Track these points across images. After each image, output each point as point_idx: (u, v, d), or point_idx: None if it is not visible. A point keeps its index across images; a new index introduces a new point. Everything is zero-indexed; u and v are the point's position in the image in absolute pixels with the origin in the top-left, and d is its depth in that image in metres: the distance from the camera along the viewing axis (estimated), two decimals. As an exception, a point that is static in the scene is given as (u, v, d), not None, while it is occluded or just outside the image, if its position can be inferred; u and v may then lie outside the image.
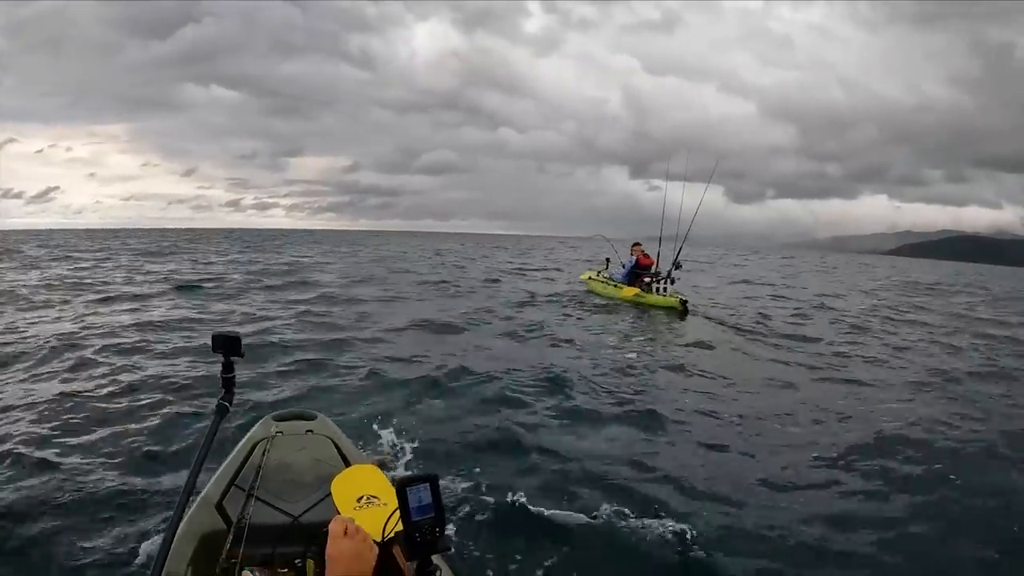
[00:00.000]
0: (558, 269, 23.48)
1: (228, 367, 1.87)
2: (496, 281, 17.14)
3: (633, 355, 7.39)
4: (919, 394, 6.20)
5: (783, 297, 16.04)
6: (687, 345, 8.30)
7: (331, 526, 1.43)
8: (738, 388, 6.05)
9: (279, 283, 14.59)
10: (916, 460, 4.15)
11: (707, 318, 11.03)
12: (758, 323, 10.69)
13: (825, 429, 4.85)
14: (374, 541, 1.62)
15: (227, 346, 1.85)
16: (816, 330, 10.24)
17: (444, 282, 16.11)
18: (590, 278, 15.19)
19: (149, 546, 2.67)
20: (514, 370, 6.16)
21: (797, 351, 8.31)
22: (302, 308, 10.37)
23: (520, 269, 23.51)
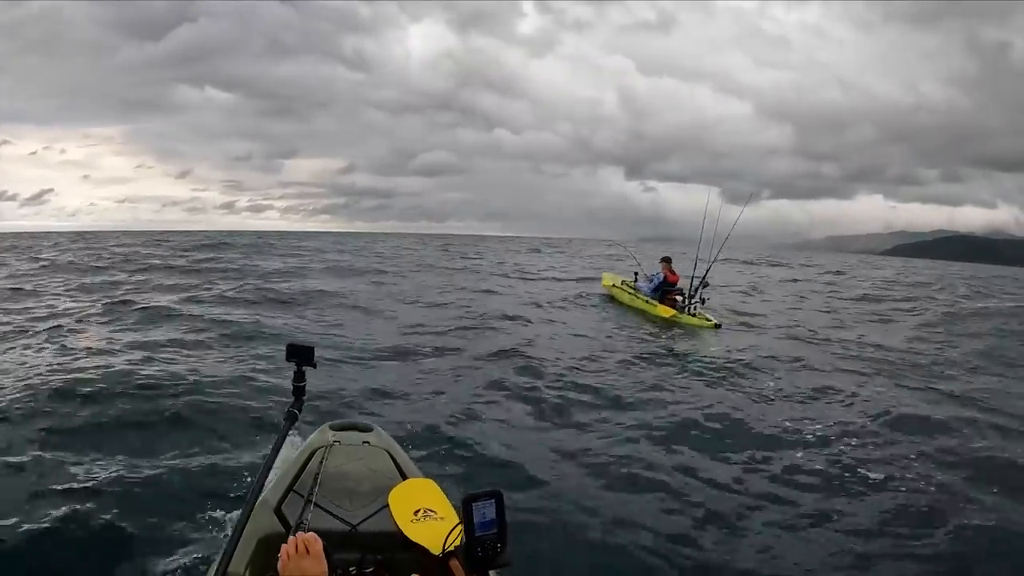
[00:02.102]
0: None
1: (300, 376, 1.94)
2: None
3: None
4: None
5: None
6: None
7: None
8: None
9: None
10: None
11: None
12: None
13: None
14: (433, 555, 1.73)
15: (300, 355, 1.91)
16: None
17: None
18: (614, 285, 14.71)
19: (207, 546, 2.71)
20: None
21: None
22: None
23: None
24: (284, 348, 1.97)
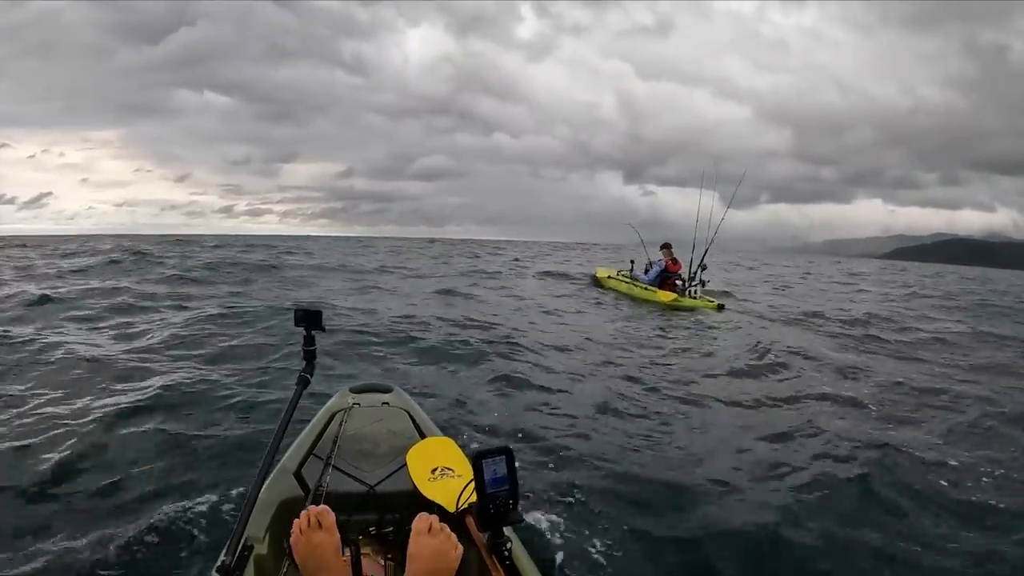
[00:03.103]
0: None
1: (309, 340, 1.93)
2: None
3: None
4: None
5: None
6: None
7: (415, 523, 1.40)
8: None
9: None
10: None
11: None
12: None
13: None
14: (449, 512, 1.76)
15: (308, 320, 1.91)
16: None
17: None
18: (609, 276, 14.44)
19: (227, 511, 2.74)
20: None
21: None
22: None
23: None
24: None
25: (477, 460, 1.51)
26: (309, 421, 2.41)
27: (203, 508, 2.84)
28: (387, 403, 2.50)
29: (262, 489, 1.89)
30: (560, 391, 5.18)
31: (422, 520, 1.39)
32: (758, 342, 7.87)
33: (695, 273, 12.06)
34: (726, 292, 13.00)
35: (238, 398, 4.38)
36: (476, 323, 8.33)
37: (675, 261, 12.37)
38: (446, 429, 2.60)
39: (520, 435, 3.96)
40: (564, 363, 6.32)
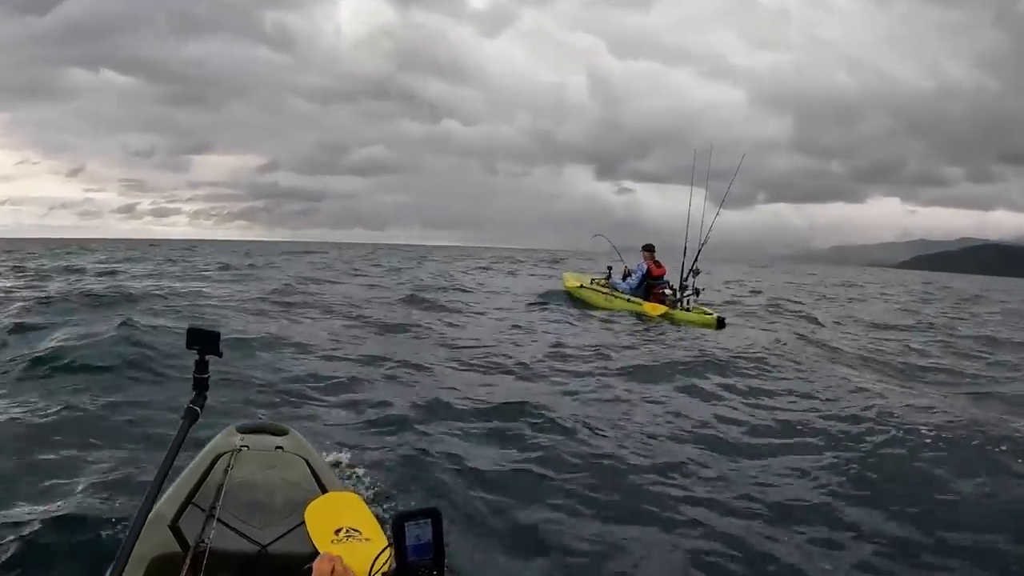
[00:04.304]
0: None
1: (202, 366, 1.71)
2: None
3: None
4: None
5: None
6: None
7: (316, 564, 1.34)
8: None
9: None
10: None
11: None
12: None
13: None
14: None
15: (203, 342, 1.70)
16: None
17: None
18: (581, 286, 12.29)
19: (90, 568, 2.26)
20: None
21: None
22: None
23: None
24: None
25: (399, 522, 1.34)
26: (186, 462, 2.14)
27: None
28: (281, 447, 2.23)
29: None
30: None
31: (324, 562, 1.33)
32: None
33: (686, 280, 10.82)
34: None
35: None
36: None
37: (658, 264, 11.00)
38: (348, 480, 2.44)
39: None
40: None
